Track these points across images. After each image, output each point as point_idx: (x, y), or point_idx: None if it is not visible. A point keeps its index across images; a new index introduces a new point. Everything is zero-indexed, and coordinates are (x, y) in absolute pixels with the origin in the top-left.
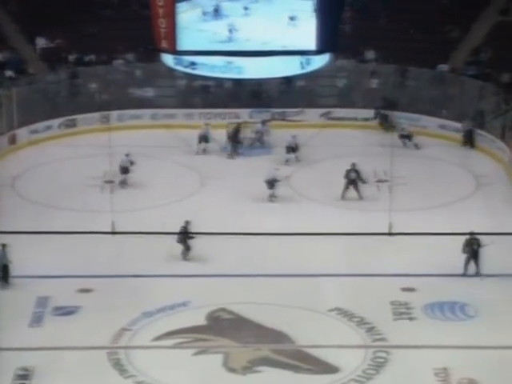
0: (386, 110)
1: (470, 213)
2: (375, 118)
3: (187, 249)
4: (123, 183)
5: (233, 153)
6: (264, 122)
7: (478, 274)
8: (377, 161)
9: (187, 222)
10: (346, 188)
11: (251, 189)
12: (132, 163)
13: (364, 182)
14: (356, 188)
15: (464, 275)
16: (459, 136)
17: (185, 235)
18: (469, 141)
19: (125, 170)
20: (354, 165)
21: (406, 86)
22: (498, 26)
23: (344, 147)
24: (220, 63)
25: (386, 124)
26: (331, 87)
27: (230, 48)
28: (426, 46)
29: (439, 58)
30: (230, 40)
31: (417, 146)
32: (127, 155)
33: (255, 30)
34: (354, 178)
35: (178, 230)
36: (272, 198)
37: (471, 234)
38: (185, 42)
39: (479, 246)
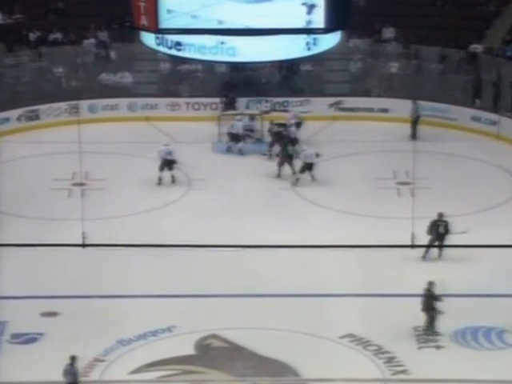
0: (230, 95)
1: (508, 221)
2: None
3: (431, 320)
4: (173, 179)
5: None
6: (267, 112)
7: (439, 257)
8: (397, 159)
9: (431, 284)
10: (282, 165)
11: (248, 193)
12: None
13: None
14: (290, 162)
15: (424, 258)
16: (494, 129)
17: (430, 301)
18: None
19: (169, 165)
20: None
21: (431, 69)
22: None
23: (357, 143)
24: (210, 44)
25: (229, 112)
26: (342, 72)
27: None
28: (456, 22)
29: (472, 36)
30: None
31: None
32: (167, 145)
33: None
34: (291, 153)
35: (158, 239)
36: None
37: (440, 215)
38: (169, 18)
39: (447, 230)
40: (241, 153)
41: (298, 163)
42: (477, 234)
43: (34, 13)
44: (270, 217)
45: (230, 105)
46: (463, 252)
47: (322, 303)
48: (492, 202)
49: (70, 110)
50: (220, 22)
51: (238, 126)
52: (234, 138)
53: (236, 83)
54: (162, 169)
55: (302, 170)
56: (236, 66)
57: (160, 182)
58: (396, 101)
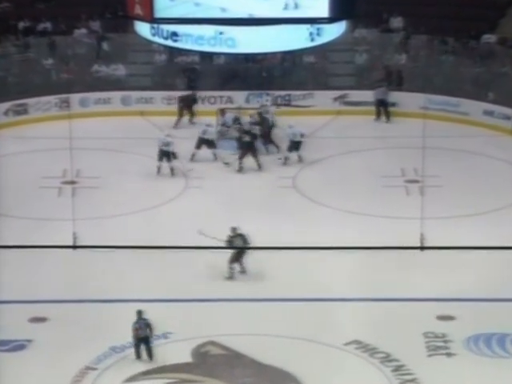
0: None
1: None
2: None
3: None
4: (172, 171)
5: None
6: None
7: None
8: (405, 156)
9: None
10: (243, 156)
11: (249, 191)
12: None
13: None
14: (254, 154)
15: None
16: (508, 124)
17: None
18: (383, 113)
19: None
20: (238, 119)
21: (442, 61)
22: None
23: (363, 139)
24: (209, 34)
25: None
26: (348, 64)
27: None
28: (468, 12)
29: (484, 26)
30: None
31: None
32: (167, 136)
33: None
34: (250, 140)
35: (153, 240)
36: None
37: None
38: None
39: None
40: (215, 158)
41: (285, 142)
42: (490, 234)
43: (22, 1)
44: (271, 217)
45: (190, 104)
46: (476, 254)
47: (325, 308)
48: (506, 200)
49: (60, 104)
50: (223, 10)
51: (211, 132)
52: (208, 143)
53: (199, 75)
54: (159, 159)
55: (290, 149)
56: (235, 58)
57: (158, 171)
58: (404, 94)
